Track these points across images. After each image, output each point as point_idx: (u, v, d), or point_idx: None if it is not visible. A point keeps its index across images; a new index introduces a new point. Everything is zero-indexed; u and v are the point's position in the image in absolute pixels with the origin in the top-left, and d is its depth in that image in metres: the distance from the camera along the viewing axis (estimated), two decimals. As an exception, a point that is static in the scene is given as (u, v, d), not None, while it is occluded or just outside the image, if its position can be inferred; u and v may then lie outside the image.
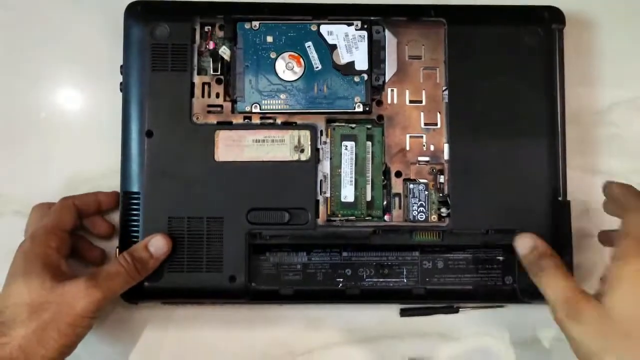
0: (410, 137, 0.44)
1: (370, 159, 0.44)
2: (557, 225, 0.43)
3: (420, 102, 0.44)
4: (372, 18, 0.45)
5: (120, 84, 0.43)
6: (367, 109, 0.44)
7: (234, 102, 0.44)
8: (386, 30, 0.45)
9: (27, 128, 0.46)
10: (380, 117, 0.44)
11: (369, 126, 0.44)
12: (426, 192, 0.43)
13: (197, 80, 0.44)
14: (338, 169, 0.43)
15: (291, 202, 0.43)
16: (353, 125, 0.44)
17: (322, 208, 0.43)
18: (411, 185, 0.43)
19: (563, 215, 0.43)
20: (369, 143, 0.44)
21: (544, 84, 0.44)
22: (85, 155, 0.46)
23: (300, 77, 0.44)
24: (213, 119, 0.43)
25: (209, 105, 0.44)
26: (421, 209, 0.43)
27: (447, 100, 0.44)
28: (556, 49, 0.44)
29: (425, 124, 0.44)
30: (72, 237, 0.42)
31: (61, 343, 0.37)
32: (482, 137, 0.43)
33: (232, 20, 0.44)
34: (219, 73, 0.44)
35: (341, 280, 0.43)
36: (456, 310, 0.45)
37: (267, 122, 0.44)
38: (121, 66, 0.43)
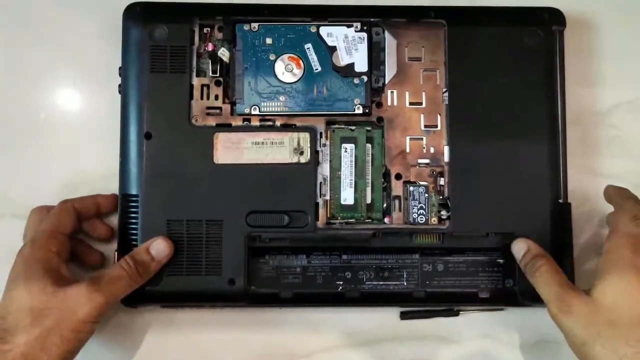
0: (410, 139, 0.44)
1: (370, 161, 0.44)
2: (558, 227, 0.43)
3: (420, 104, 0.44)
4: (371, 20, 0.44)
5: (119, 85, 0.43)
6: (367, 111, 0.44)
7: (233, 104, 0.44)
8: (386, 32, 0.44)
9: (26, 129, 0.46)
10: (380, 119, 0.44)
11: (369, 128, 0.44)
12: (426, 195, 0.43)
13: (196, 82, 0.44)
14: (338, 172, 0.43)
15: (291, 204, 0.42)
16: (353, 128, 0.44)
17: (321, 211, 0.43)
18: (411, 188, 0.43)
19: (564, 217, 0.43)
20: (368, 145, 0.44)
21: (544, 86, 0.44)
22: (84, 157, 0.46)
23: (300, 79, 0.44)
24: (212, 121, 0.43)
25: (208, 108, 0.43)
26: (421, 211, 0.43)
27: (447, 102, 0.44)
28: (556, 50, 0.44)
29: (426, 126, 0.44)
30: (71, 241, 0.42)
31: (64, 349, 0.37)
32: (483, 139, 0.43)
33: (231, 22, 0.44)
34: (218, 75, 0.44)
35: (341, 283, 0.43)
36: (456, 313, 0.45)
37: (267, 124, 0.44)
38: (120, 68, 0.43)
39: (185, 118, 0.43)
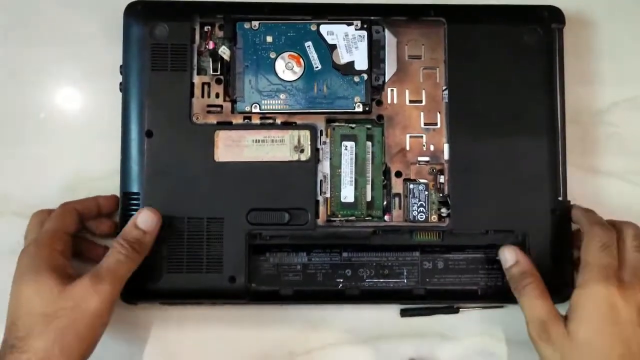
0: (410, 137, 0.44)
1: (370, 159, 0.44)
2: (557, 225, 0.43)
3: (420, 102, 0.44)
4: (371, 18, 0.44)
5: (120, 84, 0.43)
6: (367, 108, 0.44)
7: (233, 102, 0.44)
8: (386, 30, 0.45)
9: (27, 128, 0.46)
10: (380, 117, 0.44)
11: (369, 126, 0.44)
12: (426, 192, 0.43)
13: (197, 80, 0.44)
14: (338, 169, 0.43)
15: (291, 202, 0.42)
16: (353, 125, 0.44)
17: (322, 208, 0.43)
18: (411, 186, 0.43)
19: (563, 215, 0.43)
20: (368, 143, 0.44)
21: (543, 84, 0.44)
22: (84, 156, 0.46)
23: (300, 77, 0.44)
24: (213, 119, 0.43)
25: (209, 105, 0.44)
26: (421, 209, 0.43)
27: (447, 100, 0.44)
28: (556, 49, 0.44)
29: (425, 124, 0.44)
30: (74, 240, 0.42)
31: (82, 347, 0.37)
32: (482, 137, 0.43)
33: (231, 20, 0.44)
34: (218, 73, 0.44)
35: (341, 280, 0.43)
36: (456, 311, 0.45)
37: (267, 122, 0.44)
38: (121, 66, 0.43)
39: (186, 116, 0.43)
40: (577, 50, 0.47)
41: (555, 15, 0.45)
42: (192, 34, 0.44)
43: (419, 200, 0.43)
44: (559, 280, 0.43)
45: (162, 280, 0.42)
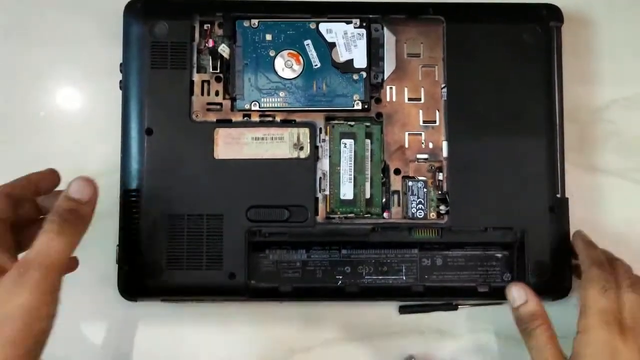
0: (409, 134, 0.44)
1: (369, 156, 0.44)
2: (555, 221, 0.43)
3: (419, 99, 0.44)
4: (370, 16, 0.45)
5: (120, 82, 0.44)
6: (366, 106, 0.44)
7: (233, 100, 0.44)
8: (385, 28, 0.45)
9: (27, 126, 0.46)
10: (379, 115, 0.44)
11: (368, 124, 0.44)
12: (425, 190, 0.44)
13: (197, 78, 0.44)
14: (337, 167, 0.44)
15: (290, 199, 0.43)
16: (352, 123, 0.44)
17: (321, 205, 0.43)
18: (410, 183, 0.44)
19: (561, 212, 0.43)
20: (367, 141, 0.44)
21: (542, 82, 0.44)
22: (85, 153, 0.46)
23: (299, 75, 0.44)
24: (212, 117, 0.44)
25: (209, 103, 0.44)
26: (420, 206, 0.43)
27: (445, 98, 0.44)
28: (554, 47, 0.44)
29: (424, 122, 0.44)
30: (15, 230, 0.36)
31: (25, 352, 0.30)
32: (481, 134, 0.43)
33: (231, 18, 0.44)
34: (218, 71, 0.44)
35: (340, 277, 0.44)
36: (455, 308, 0.45)
37: (267, 119, 0.44)
38: (120, 64, 0.44)
39: (186, 114, 0.43)
40: (575, 48, 0.47)
41: (554, 14, 0.45)
42: (191, 32, 0.44)
43: (418, 198, 0.43)
44: (557, 278, 0.43)
45: (162, 276, 0.42)
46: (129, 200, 0.42)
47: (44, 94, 0.47)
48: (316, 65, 0.44)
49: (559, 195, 0.43)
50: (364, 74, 0.44)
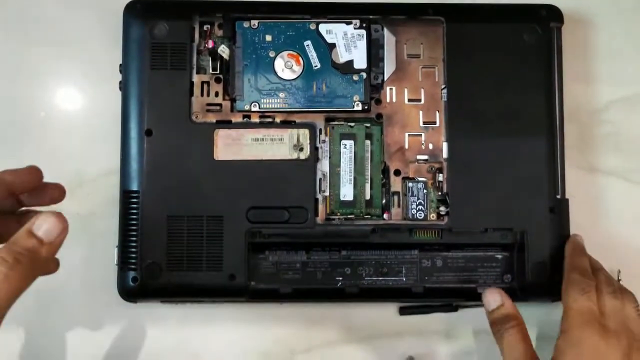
0: (409, 135, 0.44)
1: (369, 157, 0.44)
2: (555, 222, 0.43)
3: (419, 100, 0.44)
4: (370, 17, 0.45)
5: (120, 82, 0.43)
6: (366, 107, 0.44)
7: (233, 100, 0.44)
8: (385, 29, 0.45)
9: (27, 127, 0.46)
10: (379, 116, 0.44)
11: (368, 125, 0.44)
12: (425, 191, 0.43)
13: (196, 79, 0.44)
14: (337, 168, 0.43)
15: (290, 200, 0.43)
16: (352, 124, 0.44)
17: (321, 207, 0.43)
18: (410, 184, 0.44)
19: (561, 213, 0.43)
20: (367, 142, 0.44)
21: (542, 82, 0.44)
22: (84, 154, 0.46)
23: (299, 75, 0.44)
24: (212, 118, 0.43)
25: (208, 104, 0.44)
26: (420, 207, 0.43)
27: (445, 99, 0.44)
28: (554, 47, 0.44)
29: (424, 123, 0.44)
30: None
31: None
32: (481, 135, 0.43)
33: (231, 19, 0.44)
34: (218, 72, 0.44)
35: (340, 278, 0.44)
36: (455, 309, 0.45)
37: (266, 120, 0.44)
38: (120, 65, 0.44)
39: (186, 115, 0.43)
40: (575, 49, 0.47)
41: (554, 14, 0.45)
42: (191, 33, 0.44)
43: (418, 199, 0.43)
44: (557, 279, 0.43)
45: (161, 278, 0.42)
46: (129, 201, 0.42)
47: (44, 95, 0.47)
48: (316, 66, 0.44)
49: (559, 196, 0.43)
50: (364, 75, 0.44)
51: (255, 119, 0.44)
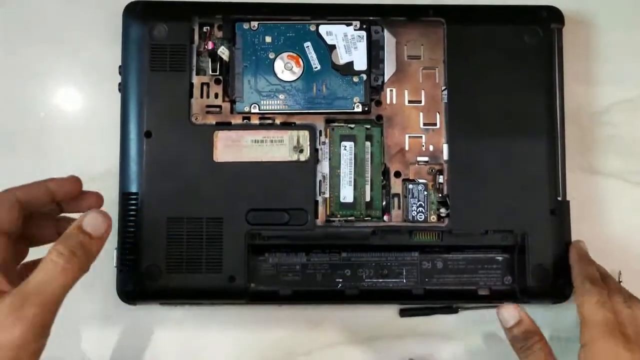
0: (410, 137, 0.44)
1: (369, 159, 0.44)
2: (556, 225, 0.43)
3: (420, 102, 0.44)
4: (370, 18, 0.44)
5: (119, 84, 0.43)
6: (366, 109, 0.44)
7: (232, 102, 0.44)
8: (385, 30, 0.45)
9: (26, 128, 0.46)
10: (380, 117, 0.44)
11: (368, 126, 0.44)
12: (425, 193, 0.43)
13: (196, 80, 0.44)
14: (337, 170, 0.43)
15: (290, 202, 0.42)
16: (352, 126, 0.44)
17: (321, 208, 0.43)
18: (410, 186, 0.43)
19: (562, 215, 0.43)
20: (368, 143, 0.44)
21: (543, 84, 0.44)
22: (83, 156, 0.46)
23: (299, 77, 0.44)
24: (212, 120, 0.43)
25: (208, 106, 0.44)
26: (420, 209, 0.43)
27: (446, 100, 0.44)
28: (555, 49, 0.44)
29: (425, 124, 0.44)
30: (20, 241, 0.35)
31: None
32: (482, 137, 0.43)
33: (230, 21, 0.44)
34: (217, 73, 0.44)
35: (340, 280, 0.43)
36: (455, 311, 0.45)
37: (266, 122, 0.44)
38: (120, 66, 0.43)
39: (185, 116, 0.43)
40: (576, 50, 0.47)
41: (555, 16, 0.45)
42: (191, 34, 0.44)
43: (418, 201, 0.43)
44: (559, 281, 0.43)
45: (161, 280, 0.42)
46: (128, 203, 0.42)
47: (43, 95, 0.47)
48: (316, 67, 0.44)
49: (559, 198, 0.43)
50: (364, 77, 0.44)
51: (255, 120, 0.44)
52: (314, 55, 0.44)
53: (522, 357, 0.39)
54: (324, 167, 0.43)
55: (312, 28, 0.44)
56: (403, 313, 0.45)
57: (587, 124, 0.47)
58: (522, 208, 0.43)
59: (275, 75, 0.44)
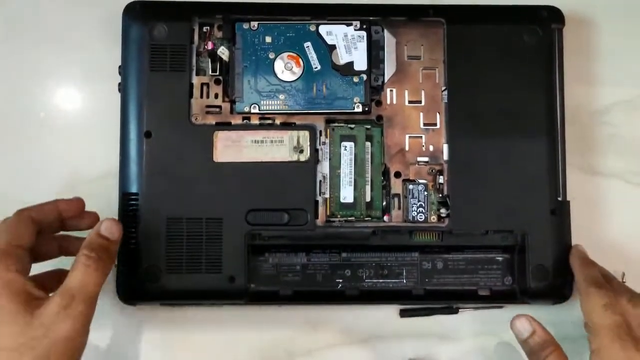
0: (410, 137, 0.44)
1: (370, 159, 0.44)
2: (556, 225, 0.43)
3: (420, 102, 0.44)
4: (371, 18, 0.44)
5: (119, 84, 0.43)
6: (367, 109, 0.44)
7: (232, 102, 0.44)
8: (385, 31, 0.45)
9: (26, 128, 0.46)
10: (380, 118, 0.44)
11: (368, 126, 0.44)
12: (425, 193, 0.43)
13: (196, 80, 0.44)
14: (337, 170, 0.43)
15: (290, 202, 0.42)
16: (352, 126, 0.44)
17: (321, 209, 0.43)
18: (410, 186, 0.43)
19: (562, 215, 0.43)
20: (368, 143, 0.44)
21: (543, 84, 0.44)
22: (83, 156, 0.46)
23: (299, 77, 0.44)
24: (212, 120, 0.43)
25: (208, 106, 0.44)
26: (420, 209, 0.43)
27: (446, 101, 0.44)
28: (555, 49, 0.44)
29: (425, 124, 0.44)
30: (53, 241, 0.40)
31: None
32: (482, 137, 0.43)
33: (230, 21, 0.44)
34: (217, 73, 0.44)
35: (340, 281, 0.43)
36: (456, 311, 0.45)
37: (266, 122, 0.44)
38: (119, 66, 0.43)
39: (185, 116, 0.43)
40: (576, 50, 0.47)
41: (555, 16, 0.45)
42: (191, 35, 0.44)
43: (418, 201, 0.43)
44: (558, 281, 0.43)
45: (161, 280, 0.42)
46: (128, 204, 0.42)
47: (43, 96, 0.47)
48: (316, 67, 0.44)
49: (560, 198, 0.43)
50: (364, 77, 0.44)
51: (255, 120, 0.44)
52: (314, 56, 0.44)
53: None
54: (324, 168, 0.43)
55: (312, 28, 0.44)
56: (403, 313, 0.45)
57: (587, 123, 0.47)
58: (522, 208, 0.43)
59: (275, 75, 0.44)
